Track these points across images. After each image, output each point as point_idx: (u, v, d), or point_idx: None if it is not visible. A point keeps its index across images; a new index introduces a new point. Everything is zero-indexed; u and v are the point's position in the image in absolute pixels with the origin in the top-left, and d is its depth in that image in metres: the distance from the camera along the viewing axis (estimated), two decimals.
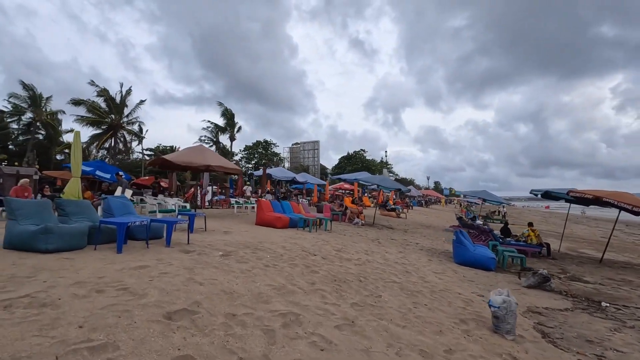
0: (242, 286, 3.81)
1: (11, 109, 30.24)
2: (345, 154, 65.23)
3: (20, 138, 32.01)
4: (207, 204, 18.16)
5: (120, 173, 14.56)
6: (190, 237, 6.04)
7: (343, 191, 31.18)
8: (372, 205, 29.61)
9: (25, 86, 29.34)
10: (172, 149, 43.28)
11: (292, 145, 70.79)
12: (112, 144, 34.64)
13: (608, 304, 5.58)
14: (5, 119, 30.64)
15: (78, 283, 3.25)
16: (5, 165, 19.41)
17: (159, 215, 7.65)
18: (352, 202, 19.71)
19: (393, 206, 21.61)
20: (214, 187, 21.85)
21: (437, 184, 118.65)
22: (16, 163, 24.03)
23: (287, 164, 63.23)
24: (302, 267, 5.12)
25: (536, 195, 12.63)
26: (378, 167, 63.84)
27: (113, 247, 4.99)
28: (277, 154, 58.30)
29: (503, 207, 24.41)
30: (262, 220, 9.65)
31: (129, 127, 33.57)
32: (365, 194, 31.82)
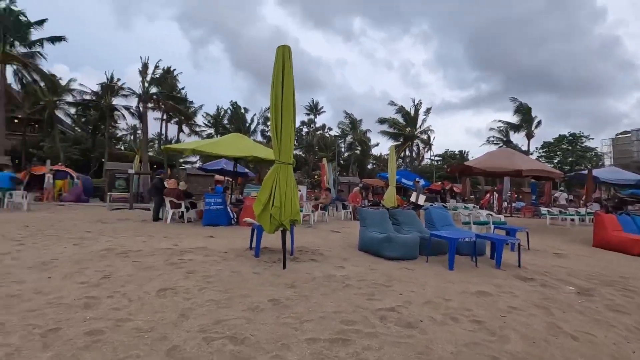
0: None
1: (340, 133, 40.91)
2: None
3: (346, 154, 42.40)
4: (504, 211, 16.34)
5: (418, 179, 15.77)
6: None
7: None
8: None
9: (347, 115, 38.76)
10: (461, 153, 43.31)
11: (616, 135, 52.89)
12: (406, 152, 39.06)
13: None
14: (336, 141, 41.84)
15: (429, 303, 3.21)
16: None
17: (473, 228, 7.23)
18: None
19: None
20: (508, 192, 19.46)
21: None
22: (344, 173, 31.97)
23: (607, 161, 47.84)
24: None
25: None
26: None
27: (441, 260, 4.95)
28: (591, 149, 45.35)
29: None
30: (604, 242, 7.15)
31: (422, 137, 36.63)
32: None
